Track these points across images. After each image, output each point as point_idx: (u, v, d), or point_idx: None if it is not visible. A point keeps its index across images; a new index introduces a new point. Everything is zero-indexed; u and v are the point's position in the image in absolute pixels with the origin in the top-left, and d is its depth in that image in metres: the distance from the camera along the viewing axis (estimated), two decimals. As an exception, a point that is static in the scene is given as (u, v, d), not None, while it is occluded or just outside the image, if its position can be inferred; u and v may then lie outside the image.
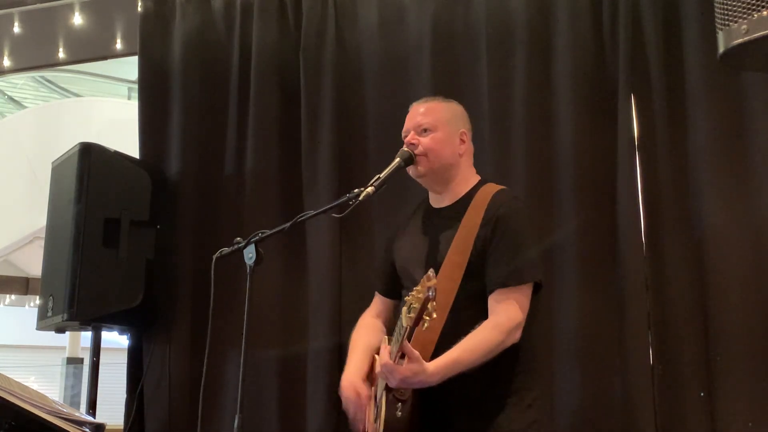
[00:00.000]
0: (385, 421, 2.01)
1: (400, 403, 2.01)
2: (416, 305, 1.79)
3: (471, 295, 2.10)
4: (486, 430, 2.06)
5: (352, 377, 2.22)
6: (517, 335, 2.06)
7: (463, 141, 2.28)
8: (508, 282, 2.08)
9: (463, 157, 2.28)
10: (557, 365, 2.85)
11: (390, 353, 1.98)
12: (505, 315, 2.06)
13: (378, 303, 2.44)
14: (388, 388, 2.03)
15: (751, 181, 2.78)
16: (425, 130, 2.23)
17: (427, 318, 1.81)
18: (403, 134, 2.30)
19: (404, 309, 1.84)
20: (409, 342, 1.93)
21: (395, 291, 2.38)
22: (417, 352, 1.95)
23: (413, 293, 1.80)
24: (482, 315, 2.09)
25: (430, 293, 1.76)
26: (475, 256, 2.11)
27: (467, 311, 2.08)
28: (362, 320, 2.43)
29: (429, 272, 1.78)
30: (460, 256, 2.11)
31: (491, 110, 3.10)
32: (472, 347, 2.01)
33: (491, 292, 2.10)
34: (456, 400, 2.09)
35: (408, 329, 1.87)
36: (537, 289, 2.16)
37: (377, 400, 2.12)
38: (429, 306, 1.78)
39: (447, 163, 2.24)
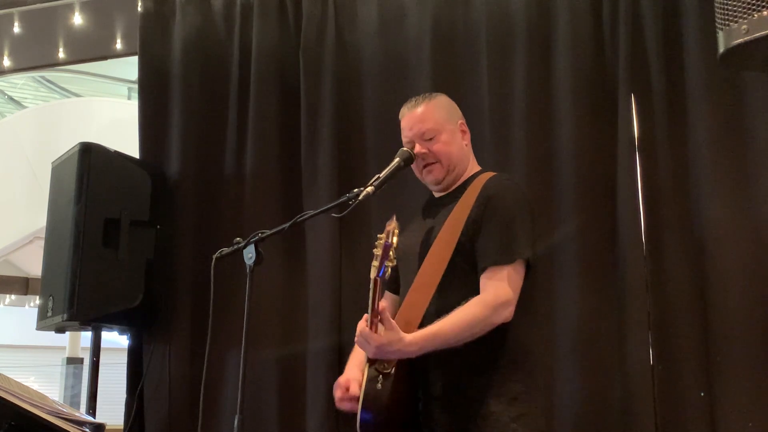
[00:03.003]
0: (364, 392, 2.00)
1: (381, 376, 2.00)
2: (378, 252, 1.80)
3: (459, 275, 2.09)
4: (467, 422, 2.04)
5: (347, 374, 2.22)
6: (506, 313, 2.03)
7: (464, 131, 2.30)
8: (498, 260, 2.06)
9: (468, 146, 2.31)
10: (557, 365, 2.85)
11: (366, 320, 1.97)
12: (493, 292, 2.03)
13: (389, 302, 2.43)
14: (371, 361, 2.02)
15: (751, 181, 2.79)
16: (431, 138, 2.23)
17: (389, 264, 1.83)
18: (405, 143, 2.29)
19: (373, 263, 1.87)
20: (379, 299, 1.94)
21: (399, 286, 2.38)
22: (393, 322, 1.95)
23: (377, 242, 1.83)
24: (471, 296, 2.06)
25: (390, 240, 1.81)
26: (465, 235, 2.11)
27: (455, 291, 2.07)
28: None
29: (392, 218, 1.81)
30: (450, 235, 2.11)
31: (491, 110, 3.10)
32: (454, 321, 2.00)
33: (482, 270, 2.08)
34: (439, 388, 2.08)
35: (373, 282, 1.88)
36: (530, 269, 2.12)
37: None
38: (391, 252, 1.80)
39: (458, 159, 2.26)
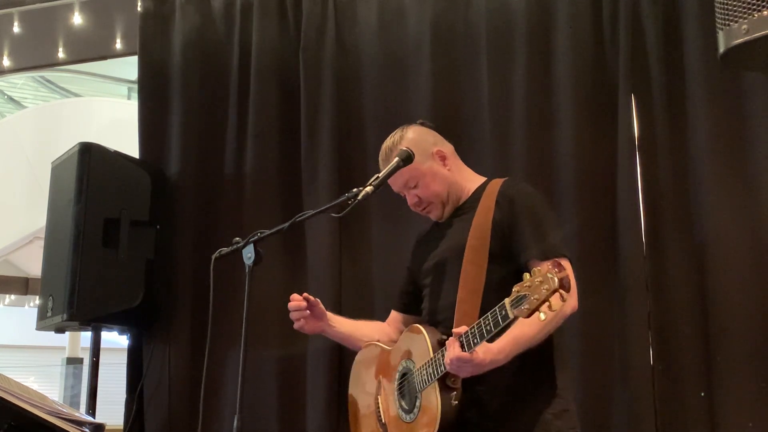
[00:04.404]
0: (443, 409, 1.97)
1: (454, 392, 1.98)
2: (536, 296, 1.69)
3: (499, 280, 2.06)
4: (512, 419, 2.04)
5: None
6: (573, 302, 1.99)
7: (442, 158, 2.25)
8: (551, 254, 2.02)
9: (452, 170, 2.26)
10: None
11: (464, 345, 1.90)
12: None
13: (391, 319, 2.44)
14: (441, 379, 1.99)
15: (751, 181, 2.79)
16: (416, 185, 2.23)
17: (545, 310, 1.70)
18: (400, 194, 2.29)
19: (509, 300, 1.76)
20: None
21: (412, 307, 2.37)
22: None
23: (526, 284, 1.72)
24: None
25: (563, 286, 1.66)
26: (494, 239, 2.10)
27: (497, 296, 1.99)
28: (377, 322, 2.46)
29: (557, 260, 1.71)
30: (480, 240, 2.10)
31: (491, 110, 3.10)
32: (531, 321, 1.88)
33: (529, 263, 2.01)
34: (487, 389, 2.06)
35: (512, 320, 1.79)
36: None
37: (403, 396, 2.11)
38: (552, 300, 1.68)
39: (448, 189, 2.24)
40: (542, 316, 1.70)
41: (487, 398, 2.05)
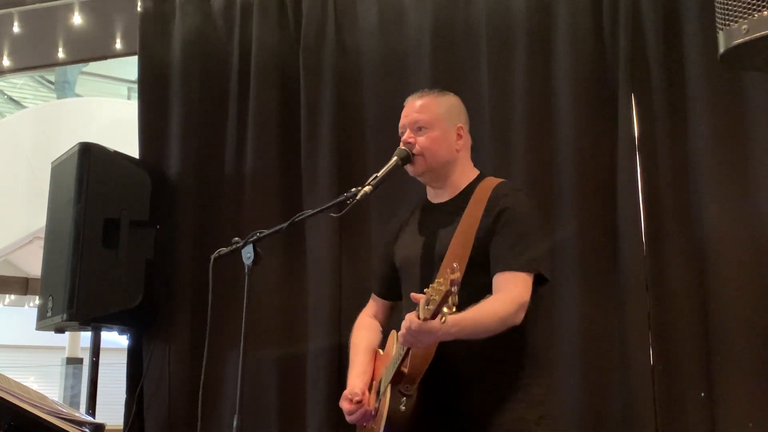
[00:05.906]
0: (388, 415, 1.98)
1: (404, 398, 1.99)
2: (436, 297, 1.76)
3: (476, 288, 2.05)
4: (493, 426, 2.04)
5: (353, 386, 2.17)
6: (521, 315, 2.01)
7: (460, 136, 2.25)
8: (514, 266, 2.05)
9: (460, 152, 2.25)
10: (558, 365, 2.85)
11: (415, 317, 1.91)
12: (515, 290, 2.02)
13: (374, 304, 2.43)
14: (393, 382, 2.00)
15: (751, 181, 2.78)
16: (421, 128, 2.21)
17: (446, 311, 1.76)
18: (399, 130, 2.27)
19: (422, 302, 1.81)
20: None
21: (392, 292, 2.37)
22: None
23: (434, 285, 1.76)
24: None
25: (453, 288, 1.72)
26: (477, 248, 2.09)
27: (469, 305, 2.02)
28: (360, 321, 2.43)
29: (453, 265, 1.74)
30: (462, 249, 2.09)
31: (491, 110, 3.10)
32: (489, 311, 1.96)
33: (498, 273, 2.06)
34: (462, 395, 2.08)
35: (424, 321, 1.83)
36: (542, 282, 2.12)
37: (379, 394, 2.11)
38: (449, 299, 1.74)
39: (444, 161, 2.22)
40: (444, 319, 1.76)
41: (461, 408, 2.07)
